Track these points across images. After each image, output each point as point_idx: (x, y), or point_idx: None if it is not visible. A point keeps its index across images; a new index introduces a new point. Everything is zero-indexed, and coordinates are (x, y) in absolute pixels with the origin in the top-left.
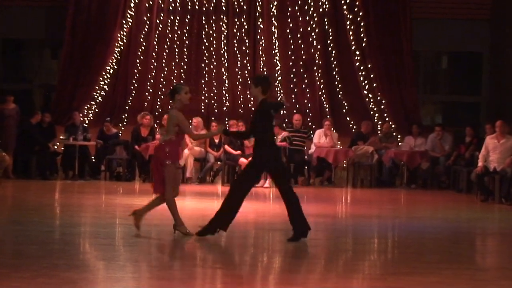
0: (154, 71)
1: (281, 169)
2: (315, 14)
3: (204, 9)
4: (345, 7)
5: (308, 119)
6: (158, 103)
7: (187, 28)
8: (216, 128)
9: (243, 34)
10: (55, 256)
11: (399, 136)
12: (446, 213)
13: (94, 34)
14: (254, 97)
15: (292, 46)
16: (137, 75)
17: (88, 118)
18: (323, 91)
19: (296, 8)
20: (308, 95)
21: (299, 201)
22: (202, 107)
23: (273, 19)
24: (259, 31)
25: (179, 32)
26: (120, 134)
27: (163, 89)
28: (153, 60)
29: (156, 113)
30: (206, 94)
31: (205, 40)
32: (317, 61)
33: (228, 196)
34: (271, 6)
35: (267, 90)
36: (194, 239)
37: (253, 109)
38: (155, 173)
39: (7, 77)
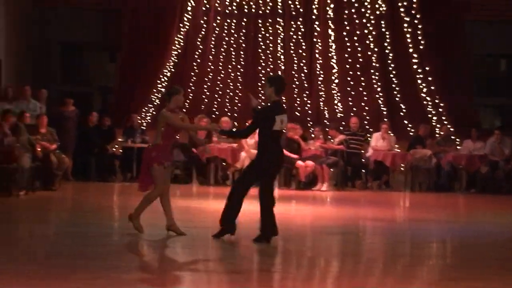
0: (210, 74)
1: (277, 173)
2: (372, 17)
3: (260, 12)
4: (402, 9)
5: (366, 122)
6: (215, 106)
7: (244, 31)
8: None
9: (300, 37)
10: (114, 257)
11: (457, 140)
12: (505, 218)
13: (152, 37)
14: (267, 97)
15: (348, 49)
16: (194, 78)
17: (146, 121)
18: (381, 94)
19: (353, 10)
20: (365, 98)
21: (273, 206)
22: None
23: (329, 21)
24: (316, 33)
25: (235, 35)
26: (177, 137)
27: (220, 92)
28: (209, 63)
29: (213, 116)
30: (263, 97)
31: (261, 43)
32: (374, 64)
33: (228, 197)
34: (328, 8)
35: (281, 91)
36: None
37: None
38: (142, 173)
39: (66, 80)
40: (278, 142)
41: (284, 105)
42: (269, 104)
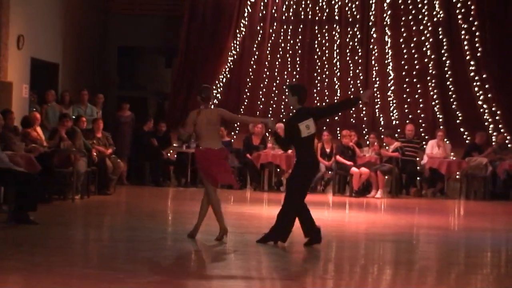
0: (266, 80)
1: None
2: (429, 24)
3: (317, 18)
4: (460, 16)
5: (421, 129)
6: (270, 111)
7: (300, 37)
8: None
9: (356, 44)
10: (168, 262)
11: None
12: None
13: (208, 43)
14: (291, 105)
15: (405, 56)
16: (250, 83)
17: None
18: (437, 101)
19: (410, 17)
20: (421, 105)
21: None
22: None
23: (386, 28)
24: (372, 40)
25: (291, 41)
26: (232, 142)
27: (275, 98)
28: (265, 69)
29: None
30: (318, 104)
31: (317, 50)
32: (430, 71)
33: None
34: (385, 15)
35: (304, 100)
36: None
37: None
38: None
39: (123, 85)
40: (310, 149)
41: (308, 110)
42: (292, 113)
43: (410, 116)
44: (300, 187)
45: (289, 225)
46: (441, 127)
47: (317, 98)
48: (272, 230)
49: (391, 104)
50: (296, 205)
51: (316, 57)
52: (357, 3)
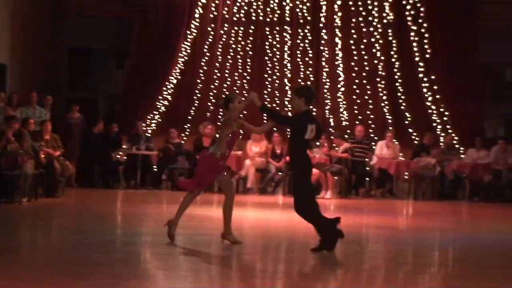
0: (217, 81)
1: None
2: (379, 26)
3: (268, 19)
4: (409, 18)
5: (370, 130)
6: (221, 112)
7: (251, 38)
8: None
9: (307, 45)
10: (118, 265)
11: (461, 149)
12: (508, 226)
13: (159, 44)
14: (296, 108)
15: (355, 57)
16: (200, 85)
17: (151, 128)
18: (386, 102)
19: (360, 19)
20: (370, 107)
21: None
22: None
23: (336, 30)
24: (323, 42)
25: (242, 42)
26: (182, 144)
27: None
28: (216, 70)
29: (218, 123)
30: (269, 105)
31: (268, 51)
32: (380, 72)
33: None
34: (335, 17)
35: (311, 101)
36: (251, 249)
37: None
38: (199, 175)
39: (73, 86)
40: (307, 150)
41: (313, 116)
42: (299, 113)
43: (360, 117)
44: (303, 186)
45: (324, 221)
46: (390, 128)
47: (268, 99)
48: (321, 237)
49: (341, 105)
50: (310, 203)
51: (267, 58)
52: (308, 4)
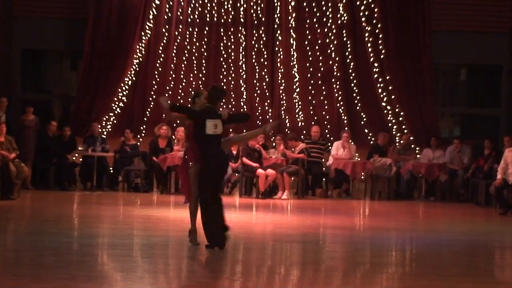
0: (172, 82)
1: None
2: (333, 26)
3: (222, 21)
4: (363, 19)
5: (326, 131)
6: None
7: (206, 40)
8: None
9: (262, 46)
10: (74, 267)
11: (417, 149)
12: (464, 226)
13: (113, 46)
14: (201, 104)
15: (310, 58)
16: (156, 86)
17: (107, 130)
18: (341, 103)
19: (315, 20)
20: (326, 107)
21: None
22: None
23: (291, 31)
24: (278, 42)
25: (197, 44)
26: (138, 145)
27: (181, 101)
28: (171, 72)
29: (174, 125)
30: (224, 106)
31: (223, 52)
32: (335, 73)
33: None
34: (290, 18)
35: (214, 100)
36: (207, 251)
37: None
38: (184, 184)
39: (26, 88)
40: (216, 147)
41: (218, 111)
42: (201, 109)
43: (315, 118)
44: (206, 183)
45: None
46: (345, 128)
47: (223, 100)
48: (208, 238)
49: (296, 106)
50: (206, 205)
51: (222, 59)
52: (262, 5)
